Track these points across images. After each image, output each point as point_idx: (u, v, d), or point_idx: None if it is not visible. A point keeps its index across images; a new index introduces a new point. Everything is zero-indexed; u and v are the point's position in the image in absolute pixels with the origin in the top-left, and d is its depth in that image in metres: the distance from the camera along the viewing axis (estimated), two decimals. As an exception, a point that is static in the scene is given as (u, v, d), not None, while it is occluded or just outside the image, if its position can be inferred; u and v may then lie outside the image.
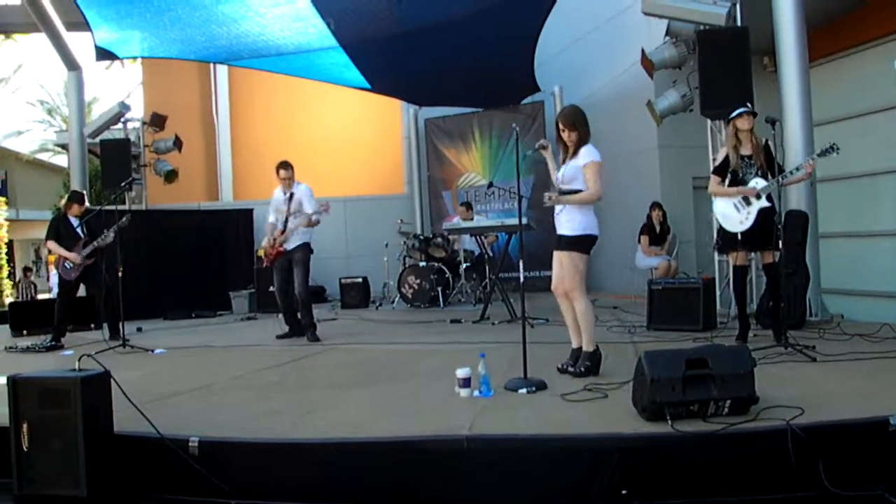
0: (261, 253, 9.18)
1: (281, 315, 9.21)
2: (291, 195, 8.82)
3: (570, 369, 5.72)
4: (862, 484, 3.74)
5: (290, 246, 8.71)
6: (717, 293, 9.02)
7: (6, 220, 22.31)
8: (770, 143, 6.59)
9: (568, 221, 5.68)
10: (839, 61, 10.33)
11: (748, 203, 6.64)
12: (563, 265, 5.70)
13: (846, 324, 7.74)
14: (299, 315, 8.88)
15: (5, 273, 21.49)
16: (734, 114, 6.78)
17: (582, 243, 5.67)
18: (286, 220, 8.75)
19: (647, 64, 9.84)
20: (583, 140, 5.71)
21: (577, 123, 5.72)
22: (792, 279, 7.52)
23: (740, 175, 6.75)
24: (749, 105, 6.87)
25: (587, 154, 5.65)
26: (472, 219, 12.52)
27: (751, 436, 3.87)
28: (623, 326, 8.50)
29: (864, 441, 3.87)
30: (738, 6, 8.90)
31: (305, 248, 8.79)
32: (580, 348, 5.77)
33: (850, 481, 3.73)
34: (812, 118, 8.39)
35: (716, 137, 9.33)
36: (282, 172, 8.81)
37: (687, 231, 12.05)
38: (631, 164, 12.87)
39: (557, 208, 5.76)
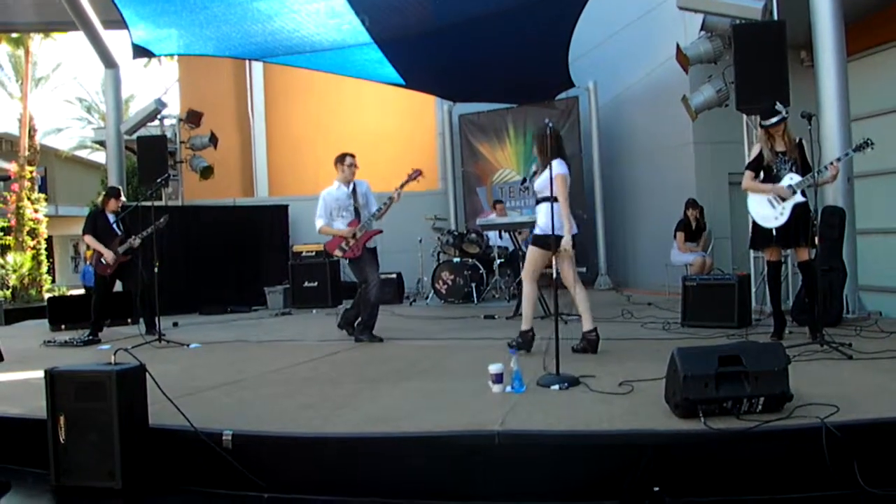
0: (338, 253, 8.27)
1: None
2: (354, 188, 8.31)
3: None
4: (898, 483, 3.70)
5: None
6: (753, 290, 8.94)
7: (46, 216, 22.65)
8: (804, 140, 6.58)
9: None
10: (878, 55, 10.19)
11: (783, 199, 6.59)
12: (570, 263, 6.54)
13: (884, 321, 7.64)
14: (365, 314, 8.32)
15: (45, 268, 21.79)
16: (770, 122, 6.68)
17: None
18: (357, 212, 8.23)
19: (682, 59, 9.76)
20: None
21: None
22: (828, 276, 7.43)
23: (774, 171, 6.70)
24: (783, 111, 6.74)
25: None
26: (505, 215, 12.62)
27: (784, 434, 3.83)
28: (657, 323, 8.46)
29: (900, 440, 3.81)
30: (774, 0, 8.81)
31: None
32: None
33: (886, 480, 3.68)
34: (849, 113, 8.27)
35: (752, 133, 9.23)
36: (349, 160, 8.21)
37: (723, 227, 11.95)
38: (666, 160, 12.81)
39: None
